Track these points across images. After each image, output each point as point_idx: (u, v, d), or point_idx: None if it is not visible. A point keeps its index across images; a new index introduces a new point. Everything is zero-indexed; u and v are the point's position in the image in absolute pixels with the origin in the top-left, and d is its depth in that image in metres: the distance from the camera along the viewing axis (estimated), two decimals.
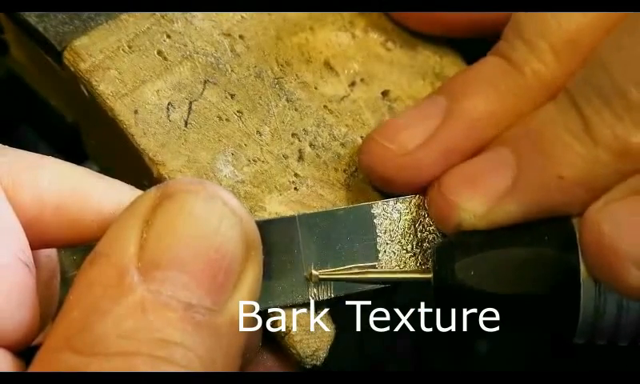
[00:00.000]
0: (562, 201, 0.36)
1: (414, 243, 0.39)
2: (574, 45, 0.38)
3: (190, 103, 0.40)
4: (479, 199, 0.36)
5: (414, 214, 0.39)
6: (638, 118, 0.34)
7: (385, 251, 0.38)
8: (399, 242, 0.38)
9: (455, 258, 0.36)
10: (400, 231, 0.39)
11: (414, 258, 0.38)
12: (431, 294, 0.37)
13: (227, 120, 0.40)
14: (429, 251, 0.38)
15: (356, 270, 0.38)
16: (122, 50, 0.40)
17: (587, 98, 0.36)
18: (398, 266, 0.38)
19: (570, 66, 0.38)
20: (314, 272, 0.37)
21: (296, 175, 0.40)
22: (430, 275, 0.37)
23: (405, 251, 0.38)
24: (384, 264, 0.38)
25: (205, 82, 0.41)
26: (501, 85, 0.39)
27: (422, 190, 0.39)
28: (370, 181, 0.41)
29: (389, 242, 0.38)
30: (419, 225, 0.39)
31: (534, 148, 0.36)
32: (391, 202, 0.39)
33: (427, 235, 0.39)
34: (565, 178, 0.35)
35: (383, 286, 0.38)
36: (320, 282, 0.37)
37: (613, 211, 0.34)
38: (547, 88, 0.38)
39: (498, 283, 0.36)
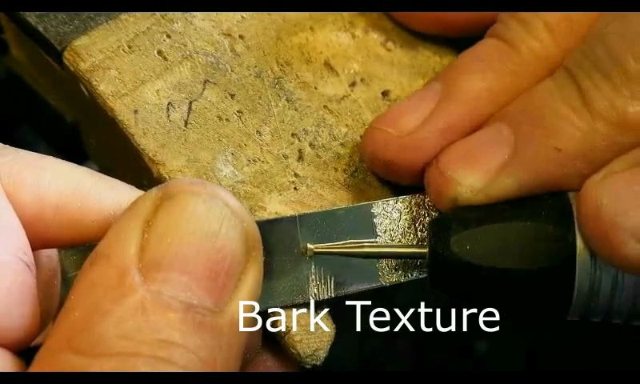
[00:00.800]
0: (560, 174, 0.36)
1: (415, 242, 0.38)
2: (569, 22, 0.38)
3: (190, 103, 0.40)
4: (476, 174, 0.36)
5: (414, 213, 0.39)
6: (636, 89, 0.34)
7: None
8: (399, 241, 0.38)
9: (451, 232, 0.36)
10: (400, 230, 0.39)
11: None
12: (431, 292, 0.37)
13: (227, 120, 0.40)
14: None
15: (352, 243, 0.37)
16: (122, 49, 0.40)
17: (585, 70, 0.36)
18: (399, 264, 0.38)
19: (566, 43, 0.38)
20: (309, 246, 0.37)
21: (296, 175, 0.40)
22: (425, 250, 0.37)
23: None
24: (384, 263, 0.38)
25: (205, 81, 0.41)
26: (497, 63, 0.39)
27: (423, 172, 0.39)
28: (374, 169, 0.41)
29: (389, 241, 0.38)
30: (419, 224, 0.39)
31: (531, 122, 0.36)
32: (391, 201, 0.39)
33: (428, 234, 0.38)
34: (562, 151, 0.35)
35: (382, 285, 0.38)
36: (315, 255, 0.37)
37: (612, 183, 0.34)
38: (544, 65, 0.38)
39: (494, 257, 0.35)
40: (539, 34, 0.39)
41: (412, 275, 0.38)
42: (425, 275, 0.38)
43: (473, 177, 0.36)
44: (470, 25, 0.43)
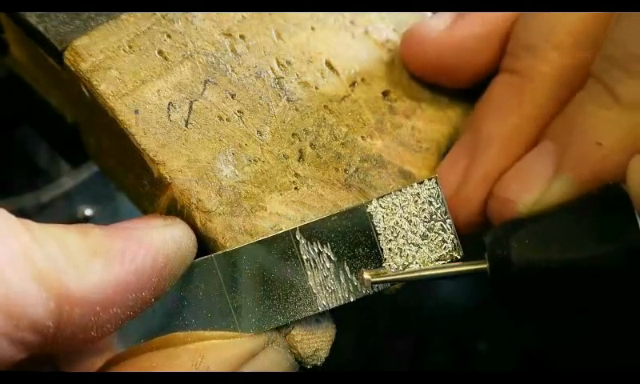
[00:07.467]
0: (607, 168, 0.37)
1: (419, 235, 0.38)
2: (573, 35, 0.40)
3: (191, 103, 0.40)
4: (528, 188, 0.38)
5: (414, 206, 0.38)
6: None
7: (390, 249, 0.38)
8: (403, 236, 0.38)
9: (507, 234, 0.37)
10: (400, 225, 0.38)
11: (421, 251, 0.38)
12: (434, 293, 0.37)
13: (228, 120, 0.40)
14: (437, 241, 0.38)
15: (407, 269, 0.38)
16: (123, 49, 0.40)
17: (606, 71, 0.37)
18: (406, 261, 0.38)
19: (576, 55, 0.40)
20: (365, 276, 0.37)
21: (296, 175, 0.40)
22: (484, 265, 0.37)
23: (412, 244, 0.38)
24: (390, 262, 0.38)
25: (205, 81, 0.41)
26: (514, 99, 0.41)
27: (483, 222, 0.41)
28: None
29: (391, 238, 0.38)
30: (421, 216, 0.38)
31: (570, 128, 0.38)
32: (387, 197, 0.38)
33: (433, 225, 0.38)
34: (603, 145, 0.37)
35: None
36: (372, 285, 0.37)
37: None
38: (560, 83, 0.40)
39: (557, 246, 0.36)
40: (547, 56, 0.40)
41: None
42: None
43: (526, 192, 0.38)
44: (481, 73, 0.44)
